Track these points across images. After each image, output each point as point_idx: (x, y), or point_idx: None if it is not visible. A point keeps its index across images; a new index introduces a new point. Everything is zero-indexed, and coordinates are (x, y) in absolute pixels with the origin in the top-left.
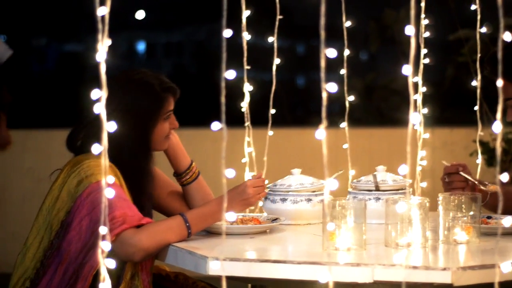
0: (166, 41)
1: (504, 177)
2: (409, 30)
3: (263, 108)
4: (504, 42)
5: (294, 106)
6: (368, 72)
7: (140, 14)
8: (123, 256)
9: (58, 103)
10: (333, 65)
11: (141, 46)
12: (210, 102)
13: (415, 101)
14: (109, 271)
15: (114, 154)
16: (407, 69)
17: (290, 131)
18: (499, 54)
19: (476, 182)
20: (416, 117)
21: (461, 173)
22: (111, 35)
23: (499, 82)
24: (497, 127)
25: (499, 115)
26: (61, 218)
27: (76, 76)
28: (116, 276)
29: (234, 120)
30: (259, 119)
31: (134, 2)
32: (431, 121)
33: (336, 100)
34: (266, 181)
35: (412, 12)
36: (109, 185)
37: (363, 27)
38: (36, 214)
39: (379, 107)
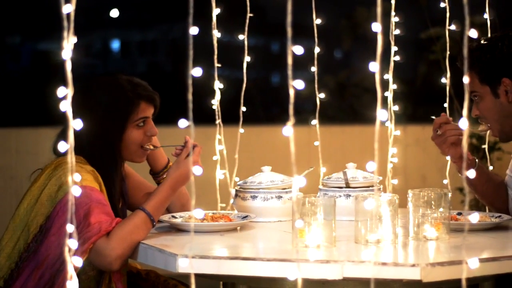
0: (141, 39)
1: (471, 173)
2: (376, 27)
3: (237, 106)
4: (480, 39)
5: (268, 104)
6: (342, 69)
7: (114, 13)
8: (101, 267)
9: (31, 101)
10: (307, 63)
11: (115, 45)
12: (185, 100)
13: (386, 98)
14: (88, 277)
15: (90, 157)
16: (374, 66)
17: (263, 129)
18: (465, 51)
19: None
20: (383, 114)
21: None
22: (85, 33)
23: (465, 79)
24: (464, 123)
25: (465, 111)
26: (40, 222)
27: (50, 75)
28: (95, 281)
29: (207, 117)
30: (233, 117)
31: (108, 0)
32: (404, 119)
33: (309, 98)
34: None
35: (379, 10)
36: (87, 191)
37: (337, 25)
38: (13, 213)
39: (352, 104)
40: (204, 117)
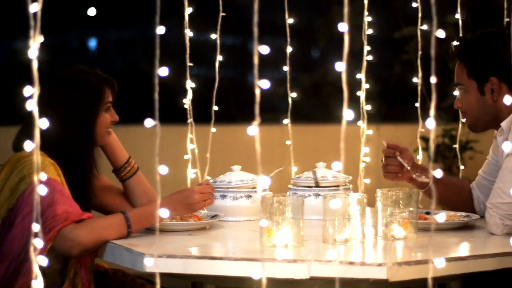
0: (117, 37)
1: (438, 173)
2: (343, 27)
3: (211, 105)
4: (477, 30)
5: (244, 103)
6: (317, 68)
7: (91, 11)
8: (61, 251)
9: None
10: (281, 62)
11: (92, 43)
12: (162, 99)
13: (359, 97)
14: (53, 269)
15: (57, 151)
16: (340, 66)
17: (235, 128)
18: (432, 52)
19: (409, 170)
20: (350, 113)
21: (398, 158)
22: (61, 32)
23: (432, 79)
24: (431, 123)
25: (432, 111)
26: (2, 215)
27: (24, 74)
28: (59, 274)
29: (180, 116)
30: (206, 116)
31: None
32: (377, 118)
33: (284, 97)
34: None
35: (346, 10)
36: (50, 182)
37: (313, 24)
38: None
39: (327, 103)
40: (176, 116)
